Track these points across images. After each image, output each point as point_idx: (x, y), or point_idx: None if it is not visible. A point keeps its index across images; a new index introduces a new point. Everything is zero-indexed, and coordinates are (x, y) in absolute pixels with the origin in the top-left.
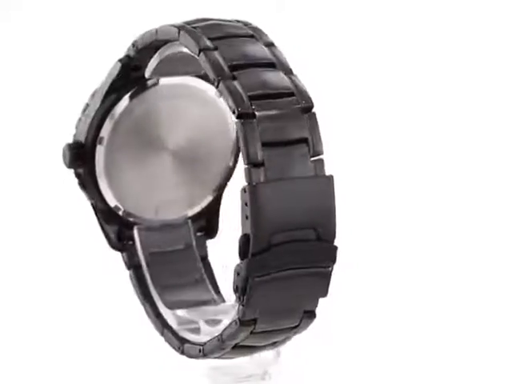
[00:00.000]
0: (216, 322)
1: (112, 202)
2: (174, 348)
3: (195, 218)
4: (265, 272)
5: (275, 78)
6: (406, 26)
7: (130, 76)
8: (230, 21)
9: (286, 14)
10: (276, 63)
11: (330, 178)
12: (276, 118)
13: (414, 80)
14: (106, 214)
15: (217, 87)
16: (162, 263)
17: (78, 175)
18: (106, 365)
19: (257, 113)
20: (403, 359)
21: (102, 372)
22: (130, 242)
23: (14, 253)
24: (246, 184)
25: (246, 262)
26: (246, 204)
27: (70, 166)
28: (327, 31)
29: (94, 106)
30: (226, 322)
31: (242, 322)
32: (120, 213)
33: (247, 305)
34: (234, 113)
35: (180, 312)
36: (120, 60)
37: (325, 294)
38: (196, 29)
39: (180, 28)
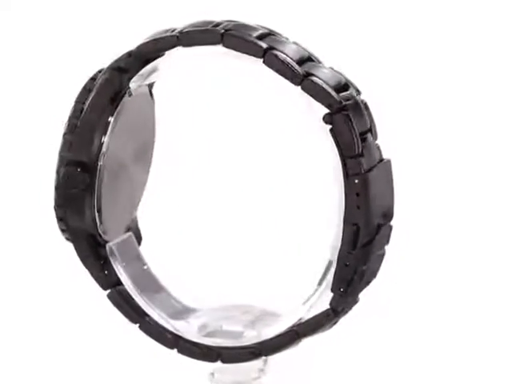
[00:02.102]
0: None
1: None
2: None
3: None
4: (369, 261)
5: (329, 71)
6: (410, 26)
7: None
8: (232, 21)
9: (286, 14)
10: (312, 57)
11: (389, 160)
12: (355, 109)
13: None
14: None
15: (300, 84)
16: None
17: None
18: (106, 365)
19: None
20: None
21: (102, 373)
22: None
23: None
24: (350, 175)
25: (356, 253)
26: (358, 194)
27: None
28: (327, 31)
29: None
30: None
31: (337, 313)
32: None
33: (351, 295)
34: (330, 107)
35: (194, 319)
36: None
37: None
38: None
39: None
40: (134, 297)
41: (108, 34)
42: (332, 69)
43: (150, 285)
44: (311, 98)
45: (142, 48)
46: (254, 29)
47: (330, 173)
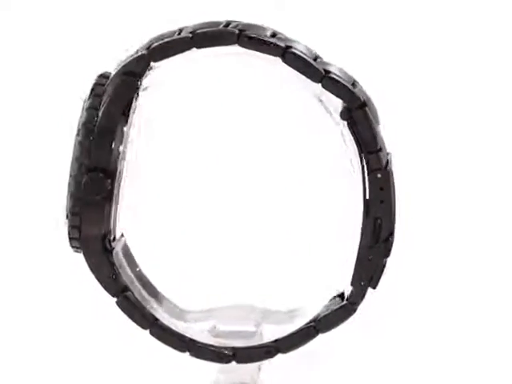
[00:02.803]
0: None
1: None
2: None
3: None
4: (389, 255)
5: (338, 68)
6: (409, 27)
7: None
8: (234, 20)
9: (286, 14)
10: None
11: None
12: (370, 105)
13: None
14: None
15: (321, 81)
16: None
17: None
18: (107, 366)
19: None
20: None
21: (104, 373)
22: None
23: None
24: (373, 170)
25: (378, 247)
26: (382, 188)
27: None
28: (327, 31)
29: None
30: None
31: (355, 307)
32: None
33: (371, 289)
34: (351, 103)
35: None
36: None
37: None
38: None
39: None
40: (142, 301)
41: (108, 34)
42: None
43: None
44: (329, 95)
45: (155, 51)
46: (263, 28)
47: (341, 169)
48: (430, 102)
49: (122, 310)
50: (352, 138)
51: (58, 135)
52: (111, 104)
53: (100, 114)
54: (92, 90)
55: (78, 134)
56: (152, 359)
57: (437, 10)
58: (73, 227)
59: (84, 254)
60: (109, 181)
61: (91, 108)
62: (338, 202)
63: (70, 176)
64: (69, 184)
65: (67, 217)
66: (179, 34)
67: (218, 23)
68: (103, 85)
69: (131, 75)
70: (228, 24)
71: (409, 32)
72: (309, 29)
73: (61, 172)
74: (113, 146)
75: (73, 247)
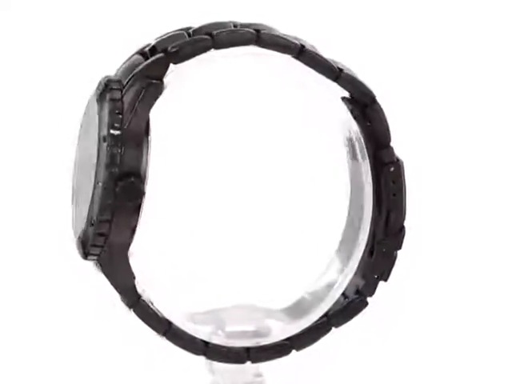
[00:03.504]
0: None
1: None
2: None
3: None
4: (401, 247)
5: (342, 65)
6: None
7: None
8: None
9: (286, 14)
10: None
11: None
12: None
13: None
14: None
15: (336, 79)
16: None
17: None
18: (107, 366)
19: None
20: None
21: (103, 373)
22: None
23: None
24: (386, 164)
25: (391, 240)
26: (394, 182)
27: None
28: (327, 31)
29: None
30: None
31: (367, 301)
32: None
33: (383, 281)
34: (367, 99)
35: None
36: None
37: None
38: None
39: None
40: (156, 304)
41: (108, 34)
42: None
43: None
44: (344, 92)
45: (176, 53)
46: (272, 28)
47: (347, 165)
48: (430, 102)
49: (140, 317)
50: (362, 133)
51: (58, 135)
52: (142, 108)
53: (130, 118)
54: (103, 94)
55: (103, 141)
56: (152, 359)
57: (437, 9)
58: (99, 235)
59: (103, 261)
60: (143, 186)
61: (115, 113)
62: (343, 198)
63: (97, 183)
64: (95, 191)
65: (91, 224)
66: (189, 35)
67: (225, 24)
68: (119, 89)
69: (154, 78)
70: (236, 24)
71: (409, 32)
72: (309, 29)
73: (59, 180)
74: (143, 151)
75: (89, 254)
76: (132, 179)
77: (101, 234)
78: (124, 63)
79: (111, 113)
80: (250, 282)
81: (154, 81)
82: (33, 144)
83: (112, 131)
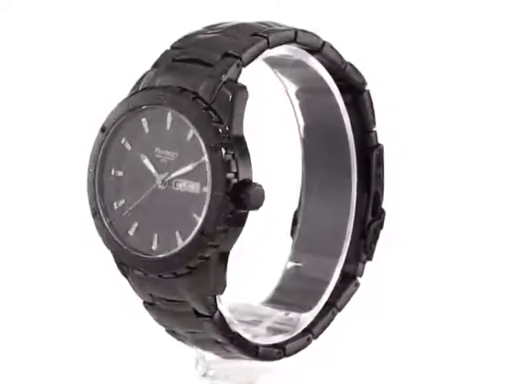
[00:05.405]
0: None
1: None
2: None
3: None
4: (382, 227)
5: None
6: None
7: None
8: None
9: (286, 14)
10: None
11: None
12: None
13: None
14: None
15: (344, 69)
16: None
17: None
18: (105, 366)
19: None
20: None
21: (101, 373)
22: None
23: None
24: (371, 147)
25: (378, 220)
26: (379, 164)
27: None
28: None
29: None
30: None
31: (359, 282)
32: None
33: (369, 260)
34: (362, 86)
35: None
36: None
37: None
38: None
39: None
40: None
41: (108, 35)
42: None
43: None
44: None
45: (248, 55)
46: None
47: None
48: (429, 102)
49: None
50: (354, 118)
51: (57, 135)
52: (240, 114)
53: (233, 125)
54: (189, 105)
55: (215, 150)
56: (152, 359)
57: (437, 10)
58: (210, 246)
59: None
60: (264, 192)
61: (215, 122)
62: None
63: (213, 193)
64: (211, 201)
65: (204, 234)
66: (213, 33)
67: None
68: (199, 97)
69: (235, 82)
70: (259, 23)
71: (409, 32)
72: (308, 29)
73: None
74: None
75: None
76: (251, 186)
77: (212, 246)
78: None
79: (209, 123)
80: (250, 282)
81: (243, 86)
82: (33, 144)
83: (220, 140)
